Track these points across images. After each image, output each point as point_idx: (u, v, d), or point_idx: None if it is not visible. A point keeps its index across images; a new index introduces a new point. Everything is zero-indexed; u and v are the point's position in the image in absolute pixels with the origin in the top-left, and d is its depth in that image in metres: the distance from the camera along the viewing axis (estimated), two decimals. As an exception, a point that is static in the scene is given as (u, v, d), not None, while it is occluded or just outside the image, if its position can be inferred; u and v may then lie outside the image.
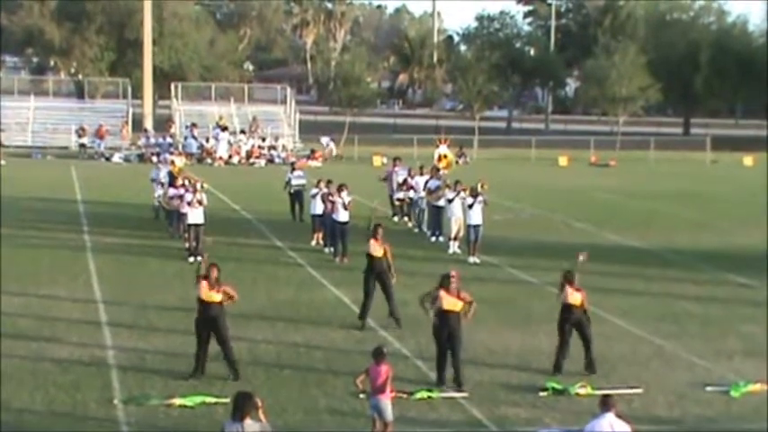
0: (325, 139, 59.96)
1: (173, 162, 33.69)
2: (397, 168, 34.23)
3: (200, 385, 15.80)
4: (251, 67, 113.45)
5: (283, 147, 58.66)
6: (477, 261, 26.61)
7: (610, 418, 11.47)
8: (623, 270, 25.95)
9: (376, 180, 36.13)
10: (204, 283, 16.13)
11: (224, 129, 57.90)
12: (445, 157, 40.01)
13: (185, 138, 57.48)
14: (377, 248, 19.76)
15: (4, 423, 14.13)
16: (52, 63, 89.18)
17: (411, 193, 32.28)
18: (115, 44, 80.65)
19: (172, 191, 29.14)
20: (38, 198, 37.81)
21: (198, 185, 27.05)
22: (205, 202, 26.76)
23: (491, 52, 78.42)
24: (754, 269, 26.07)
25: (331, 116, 75.84)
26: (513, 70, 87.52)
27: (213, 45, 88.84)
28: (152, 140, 57.20)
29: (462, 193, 27.72)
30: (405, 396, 15.27)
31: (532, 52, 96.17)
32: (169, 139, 56.40)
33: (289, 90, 68.74)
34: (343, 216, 26.43)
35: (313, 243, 28.52)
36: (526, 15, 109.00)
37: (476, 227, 26.93)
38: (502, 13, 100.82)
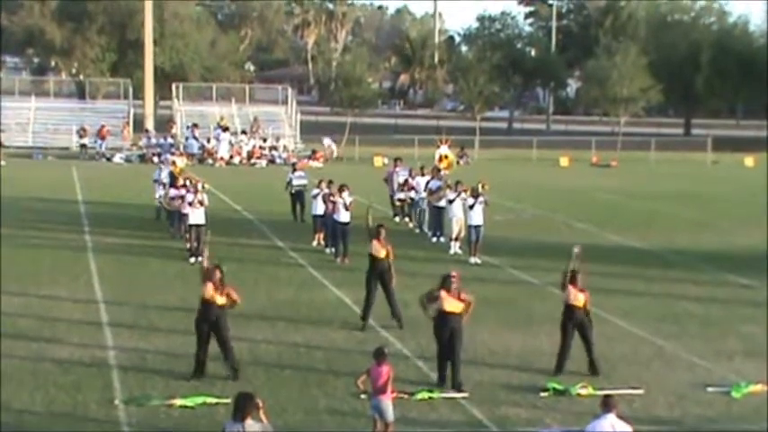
0: (327, 140, 59.96)
1: (174, 162, 33.67)
2: (398, 169, 34.24)
3: (201, 386, 15.79)
4: (252, 68, 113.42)
5: (284, 147, 58.66)
6: (478, 261, 26.60)
7: (611, 419, 11.48)
8: (624, 271, 25.96)
9: (378, 181, 36.10)
10: (210, 285, 16.15)
11: (225, 129, 57.91)
12: (446, 157, 39.97)
13: (186, 138, 57.45)
14: (379, 249, 19.75)
15: (4, 424, 14.11)
16: (53, 63, 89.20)
17: (412, 194, 32.27)
18: (116, 45, 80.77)
19: (173, 191, 29.10)
20: (38, 198, 37.80)
21: (199, 186, 27.03)
22: (206, 202, 26.72)
23: (492, 53, 78.48)
24: (754, 270, 26.06)
25: (332, 117, 75.91)
26: (514, 71, 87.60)
27: (214, 46, 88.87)
28: (153, 141, 57.23)
29: (463, 194, 27.69)
30: (406, 396, 15.26)
31: (533, 53, 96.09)
32: (170, 140, 56.39)
33: (290, 90, 68.69)
34: (344, 216, 26.44)
35: (314, 243, 28.52)
36: (527, 16, 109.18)
37: (477, 227, 26.92)
38: (503, 13, 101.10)
